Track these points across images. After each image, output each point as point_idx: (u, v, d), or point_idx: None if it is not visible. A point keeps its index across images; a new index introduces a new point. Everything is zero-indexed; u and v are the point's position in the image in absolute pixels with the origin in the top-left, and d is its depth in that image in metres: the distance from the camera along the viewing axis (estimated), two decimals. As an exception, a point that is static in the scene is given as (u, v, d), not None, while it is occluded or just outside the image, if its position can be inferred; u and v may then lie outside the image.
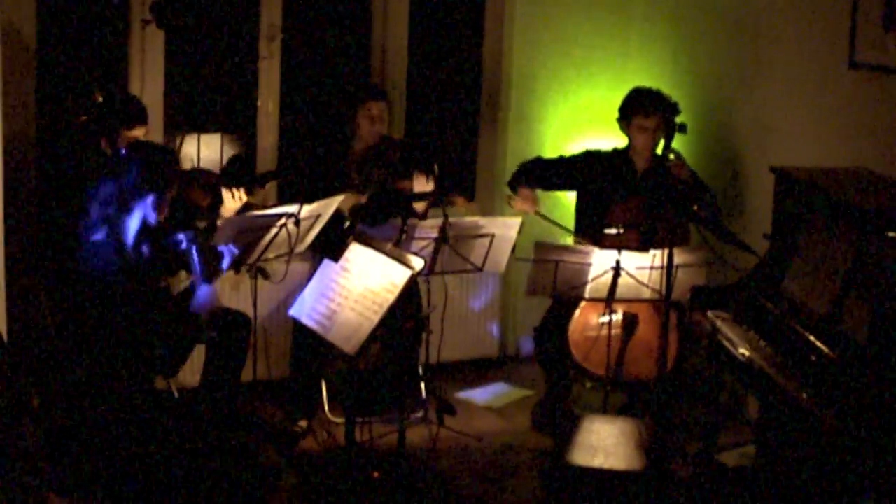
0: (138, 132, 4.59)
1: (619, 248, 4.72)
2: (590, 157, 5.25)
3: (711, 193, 5.10)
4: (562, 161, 5.28)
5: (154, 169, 4.21)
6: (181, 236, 4.39)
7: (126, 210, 4.20)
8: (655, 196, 4.97)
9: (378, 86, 5.57)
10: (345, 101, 5.30)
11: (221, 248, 4.45)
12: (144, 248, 4.26)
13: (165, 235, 4.37)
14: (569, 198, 5.43)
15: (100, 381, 4.29)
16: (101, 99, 4.64)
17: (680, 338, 4.84)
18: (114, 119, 4.57)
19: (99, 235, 4.19)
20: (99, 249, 4.20)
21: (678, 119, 4.83)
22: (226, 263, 4.48)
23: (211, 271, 4.48)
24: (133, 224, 4.21)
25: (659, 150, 5.00)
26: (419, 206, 5.05)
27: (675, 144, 5.51)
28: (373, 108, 5.16)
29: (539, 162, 5.30)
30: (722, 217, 5.10)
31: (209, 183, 4.66)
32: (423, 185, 5.02)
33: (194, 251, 4.27)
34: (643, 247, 4.77)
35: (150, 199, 4.19)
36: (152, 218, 4.24)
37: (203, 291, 4.35)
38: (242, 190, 4.67)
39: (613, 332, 4.78)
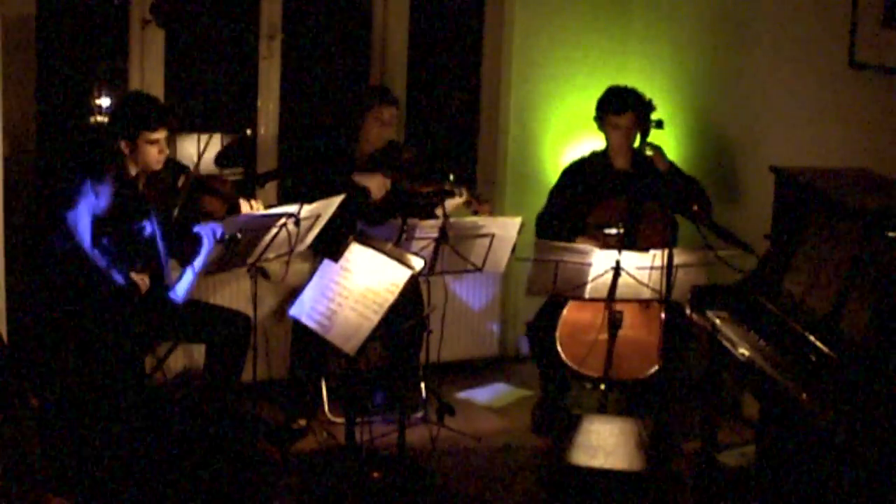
0: (160, 135, 4.56)
1: (606, 247, 4.74)
2: (570, 170, 5.27)
3: (699, 185, 5.11)
4: (554, 196, 5.26)
5: (83, 155, 4.17)
6: (145, 223, 4.37)
7: (70, 206, 4.16)
8: (637, 195, 4.98)
9: (388, 89, 5.47)
10: (353, 102, 5.27)
11: (199, 228, 4.39)
12: (105, 241, 4.24)
13: (126, 224, 4.34)
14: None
15: (97, 381, 4.28)
16: (107, 100, 4.62)
17: (668, 335, 4.83)
18: (135, 121, 4.54)
19: (62, 243, 4.18)
20: (60, 255, 4.19)
21: (655, 115, 4.86)
22: (208, 245, 4.42)
23: (183, 254, 4.45)
24: (83, 218, 4.17)
25: (636, 146, 5.03)
26: (447, 204, 4.99)
27: (672, 143, 5.55)
28: (384, 113, 5.14)
29: (542, 217, 5.25)
30: (713, 208, 5.10)
31: (226, 192, 4.66)
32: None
33: (159, 236, 4.24)
34: (626, 245, 4.77)
35: (87, 186, 4.15)
36: (98, 207, 4.19)
37: (184, 280, 4.32)
38: (259, 201, 4.69)
39: (599, 331, 4.78)
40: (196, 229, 4.38)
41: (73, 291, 4.30)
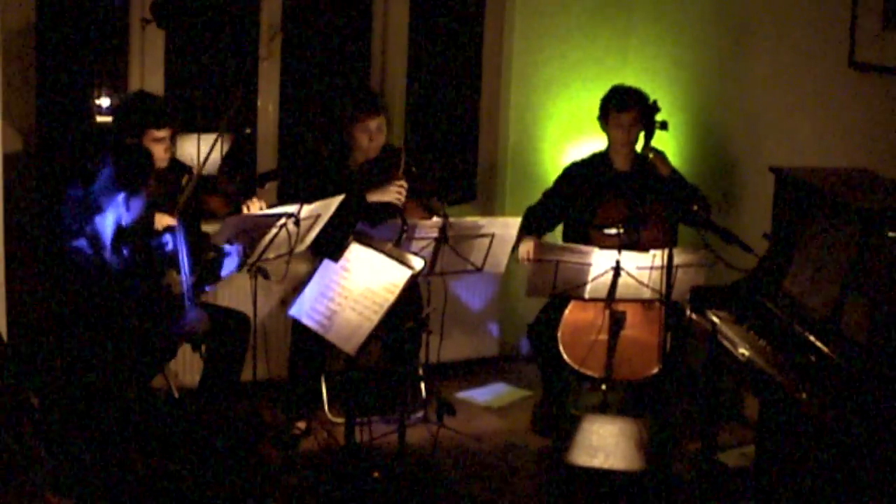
0: (165, 133, 4.59)
1: (607, 247, 4.74)
2: (571, 170, 5.28)
3: (700, 193, 5.10)
4: (547, 197, 5.28)
5: (124, 167, 4.17)
6: (167, 237, 4.37)
7: (97, 211, 4.16)
8: (637, 195, 4.98)
9: (375, 96, 5.35)
10: (340, 112, 5.18)
11: (228, 248, 4.44)
12: (124, 250, 4.24)
13: (149, 236, 4.35)
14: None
15: (96, 381, 4.28)
16: (107, 100, 4.63)
17: (672, 336, 4.84)
18: (141, 119, 4.55)
19: (78, 242, 4.18)
20: (79, 256, 4.18)
21: (659, 117, 4.86)
22: (234, 265, 4.48)
23: (204, 273, 4.46)
24: (108, 224, 4.17)
25: (639, 149, 5.02)
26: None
27: (673, 143, 5.55)
28: (370, 125, 5.04)
29: (531, 210, 5.27)
30: (712, 212, 5.09)
31: (228, 192, 4.66)
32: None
33: (183, 253, 4.24)
34: (627, 246, 4.77)
35: (120, 198, 4.16)
36: (126, 218, 4.20)
37: (191, 316, 4.32)
38: (263, 201, 4.69)
39: (601, 331, 4.78)
40: (226, 249, 4.42)
41: (88, 294, 4.28)
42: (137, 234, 4.27)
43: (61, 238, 4.21)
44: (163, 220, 4.48)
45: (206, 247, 4.44)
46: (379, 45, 5.77)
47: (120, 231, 4.20)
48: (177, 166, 4.73)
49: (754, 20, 5.27)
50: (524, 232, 5.03)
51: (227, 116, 4.51)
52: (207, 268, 4.49)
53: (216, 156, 5.03)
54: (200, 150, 4.60)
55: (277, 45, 5.47)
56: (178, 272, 4.40)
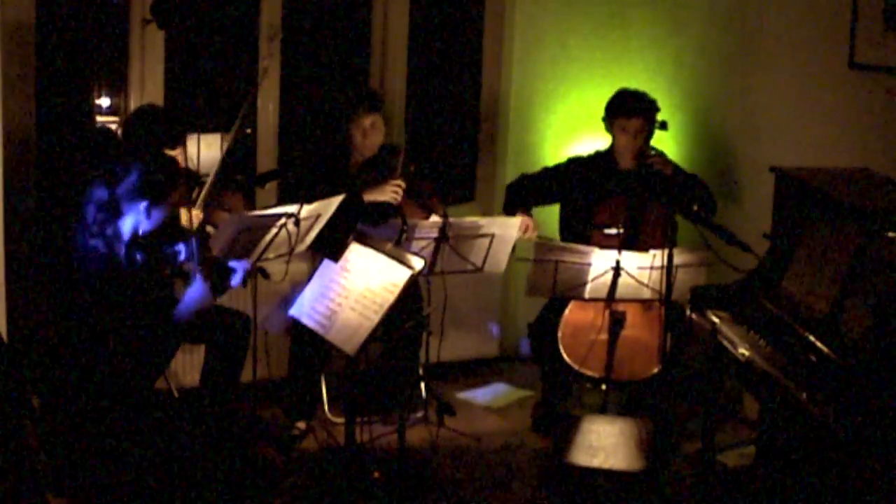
0: (179, 151, 4.60)
1: (606, 246, 4.74)
2: (573, 163, 5.26)
3: (702, 183, 5.09)
4: (546, 173, 5.27)
5: (152, 177, 4.18)
6: (180, 247, 4.37)
7: (117, 215, 4.18)
8: (639, 195, 4.98)
9: (372, 93, 5.31)
10: (338, 110, 5.19)
11: (233, 264, 4.45)
12: (138, 256, 4.25)
13: (162, 245, 4.35)
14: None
15: (97, 382, 4.28)
16: (107, 100, 4.62)
17: (672, 336, 4.84)
18: (157, 137, 4.55)
19: (94, 241, 4.18)
20: (94, 255, 4.19)
21: (659, 117, 4.86)
22: (238, 279, 4.50)
23: (213, 285, 4.47)
24: (125, 229, 4.19)
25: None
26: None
27: (672, 143, 5.55)
28: (365, 122, 5.03)
29: (523, 179, 5.27)
30: (716, 205, 5.09)
31: (238, 208, 4.67)
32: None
33: (195, 264, 4.24)
34: (627, 246, 4.77)
35: (142, 206, 4.17)
36: (144, 225, 4.21)
37: (192, 294, 4.30)
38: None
39: (601, 331, 4.78)
40: (230, 263, 4.43)
41: (95, 292, 4.28)
42: (154, 241, 4.27)
43: (78, 236, 4.21)
44: (187, 216, 4.49)
45: (213, 260, 4.45)
46: (379, 45, 5.77)
47: (135, 238, 4.21)
48: (188, 177, 4.73)
49: (755, 20, 5.27)
50: (513, 200, 5.09)
51: (240, 119, 4.52)
52: (215, 280, 4.49)
53: (217, 155, 5.04)
54: (201, 151, 4.60)
55: (277, 45, 5.47)
56: (186, 283, 4.39)
